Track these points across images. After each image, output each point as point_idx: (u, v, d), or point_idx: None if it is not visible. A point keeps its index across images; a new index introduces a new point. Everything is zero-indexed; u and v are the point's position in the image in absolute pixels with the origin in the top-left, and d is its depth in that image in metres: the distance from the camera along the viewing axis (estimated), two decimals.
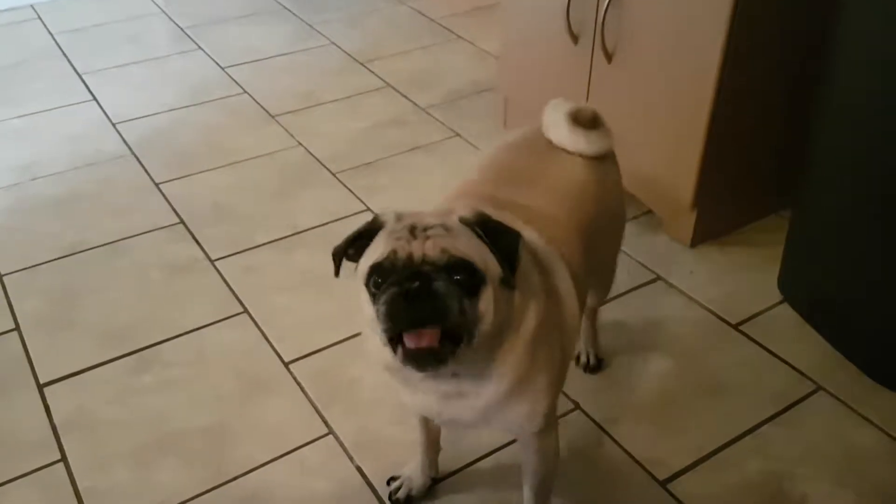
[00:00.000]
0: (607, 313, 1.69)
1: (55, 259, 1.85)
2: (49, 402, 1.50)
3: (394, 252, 0.93)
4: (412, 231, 0.94)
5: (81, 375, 1.56)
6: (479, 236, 0.95)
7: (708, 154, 1.70)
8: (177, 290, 1.77)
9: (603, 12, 1.78)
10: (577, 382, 1.53)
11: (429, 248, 0.92)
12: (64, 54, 2.79)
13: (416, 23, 3.01)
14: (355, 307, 0.98)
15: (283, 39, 2.90)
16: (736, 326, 1.66)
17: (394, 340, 0.92)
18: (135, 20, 3.06)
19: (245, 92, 2.56)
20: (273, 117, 2.42)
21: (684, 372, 1.56)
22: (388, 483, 1.35)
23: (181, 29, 2.98)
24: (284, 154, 2.25)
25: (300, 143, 2.29)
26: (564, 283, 1.11)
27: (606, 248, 1.37)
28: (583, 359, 1.57)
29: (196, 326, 1.67)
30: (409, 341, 0.91)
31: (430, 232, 0.93)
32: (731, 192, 1.85)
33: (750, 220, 1.95)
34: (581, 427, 1.45)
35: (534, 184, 1.20)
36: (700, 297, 1.73)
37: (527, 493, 1.21)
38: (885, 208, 1.41)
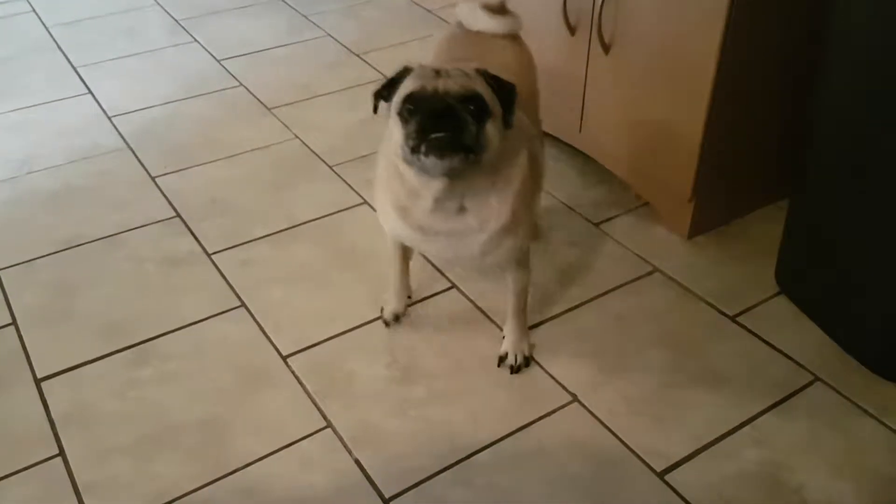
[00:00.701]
0: (607, 304, 1.70)
1: (52, 253, 1.85)
2: (47, 396, 1.50)
3: (423, 86, 1.20)
4: (437, 73, 1.21)
5: (79, 370, 1.56)
6: (487, 82, 1.23)
7: (705, 145, 1.70)
8: (174, 283, 1.77)
9: (600, 4, 1.77)
10: (574, 375, 1.53)
11: (450, 85, 1.19)
12: (59, 47, 2.78)
13: (412, 14, 2.99)
14: (381, 150, 1.35)
15: (279, 31, 2.89)
16: (733, 318, 1.66)
17: (417, 150, 1.18)
18: (130, 13, 3.04)
19: (241, 84, 2.55)
20: (269, 110, 2.41)
21: (682, 363, 1.56)
22: (381, 314, 1.64)
23: (176, 21, 2.97)
24: (281, 147, 2.24)
25: (297, 136, 2.28)
26: (534, 144, 1.44)
27: (532, 114, 1.62)
28: None
29: (194, 320, 1.67)
30: (435, 138, 1.17)
31: (451, 73, 1.21)
32: (729, 184, 1.85)
33: (747, 211, 1.95)
34: (579, 419, 1.45)
35: (480, 62, 1.37)
36: (697, 289, 1.73)
37: (510, 305, 1.54)
38: (883, 198, 1.41)
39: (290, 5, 3.09)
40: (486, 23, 1.60)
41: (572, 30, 1.90)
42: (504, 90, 1.25)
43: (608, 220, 1.95)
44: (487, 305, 1.70)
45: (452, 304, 1.71)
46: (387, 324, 1.64)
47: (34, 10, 3.05)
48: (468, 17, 1.63)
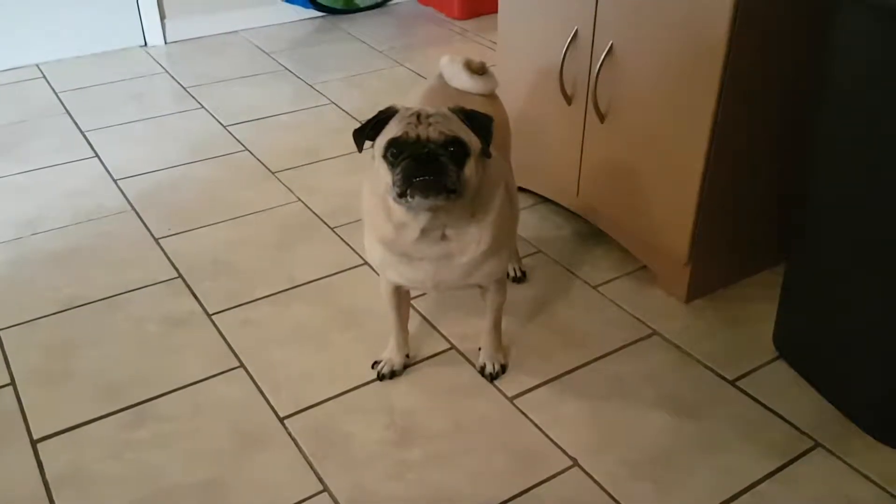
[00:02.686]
0: (606, 367, 1.70)
1: (53, 313, 1.86)
2: (42, 457, 1.49)
3: (406, 132, 1.29)
4: (419, 118, 1.30)
5: (76, 430, 1.55)
6: (463, 120, 1.33)
7: (701, 211, 1.73)
8: (174, 344, 1.77)
9: (595, 74, 1.83)
10: (573, 438, 1.52)
11: (431, 132, 1.28)
12: (67, 112, 2.84)
13: (414, 83, 3.08)
14: (366, 186, 1.44)
15: (284, 99, 2.97)
16: (733, 382, 1.66)
17: (404, 195, 1.28)
18: (138, 80, 3.13)
19: (245, 149, 2.60)
20: (273, 174, 2.46)
21: (682, 428, 1.55)
22: (373, 366, 1.67)
23: (184, 88, 3.05)
24: (283, 209, 2.28)
25: (299, 199, 2.32)
26: (510, 179, 1.58)
27: (506, 163, 1.73)
28: (511, 273, 1.95)
29: (192, 381, 1.66)
30: (419, 181, 1.27)
31: (430, 119, 1.30)
32: (726, 249, 1.87)
33: (745, 276, 1.97)
34: (579, 485, 1.43)
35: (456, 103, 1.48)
36: (696, 353, 1.74)
37: (488, 321, 1.64)
38: (880, 265, 1.43)
39: (295, 75, 3.18)
40: (466, 82, 1.70)
41: (569, 99, 1.96)
42: (480, 123, 1.34)
43: (606, 282, 1.97)
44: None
45: (450, 365, 1.71)
46: (381, 378, 1.66)
47: (44, 76, 3.13)
48: (450, 72, 1.72)
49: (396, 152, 1.29)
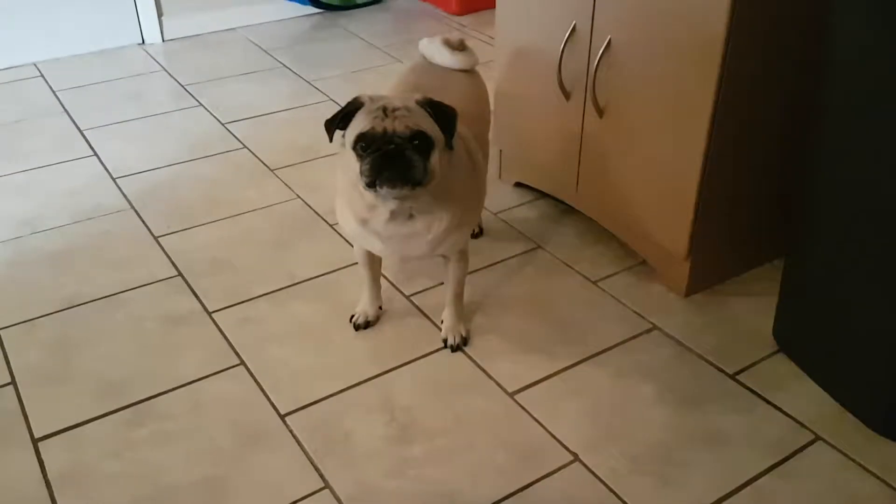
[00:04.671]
0: (606, 362, 1.70)
1: (53, 312, 1.86)
2: (43, 456, 1.49)
3: (373, 127, 1.36)
4: (385, 111, 1.37)
5: (77, 429, 1.55)
6: (429, 113, 1.40)
7: (700, 205, 1.73)
8: (174, 342, 1.77)
9: (594, 69, 1.83)
10: (574, 433, 1.52)
11: (397, 125, 1.36)
12: (66, 111, 2.84)
13: None
14: (340, 168, 1.55)
15: (283, 96, 2.96)
16: (733, 376, 1.66)
17: (372, 184, 1.38)
18: (136, 78, 3.12)
19: (244, 147, 2.60)
20: (272, 171, 2.46)
21: (683, 422, 1.55)
22: (350, 320, 1.79)
23: (182, 86, 3.05)
24: (283, 207, 2.28)
25: (298, 196, 2.32)
26: (477, 154, 1.65)
27: (482, 137, 1.84)
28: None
29: (192, 379, 1.66)
30: (387, 174, 1.37)
31: (396, 113, 1.37)
32: (726, 242, 1.87)
33: (745, 269, 1.97)
34: (581, 479, 1.44)
35: (440, 92, 1.57)
36: (696, 347, 1.74)
37: (449, 291, 1.71)
38: (880, 257, 1.43)
39: (293, 71, 3.18)
40: (446, 58, 1.80)
41: (567, 95, 1.95)
42: (444, 116, 1.42)
43: (606, 277, 1.97)
44: (487, 364, 1.70)
45: (450, 360, 1.71)
46: (357, 328, 1.78)
47: (42, 75, 3.13)
48: (430, 51, 1.82)
49: (365, 146, 1.37)
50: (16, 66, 3.21)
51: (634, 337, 1.77)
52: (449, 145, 1.44)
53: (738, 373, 1.67)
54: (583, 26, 1.85)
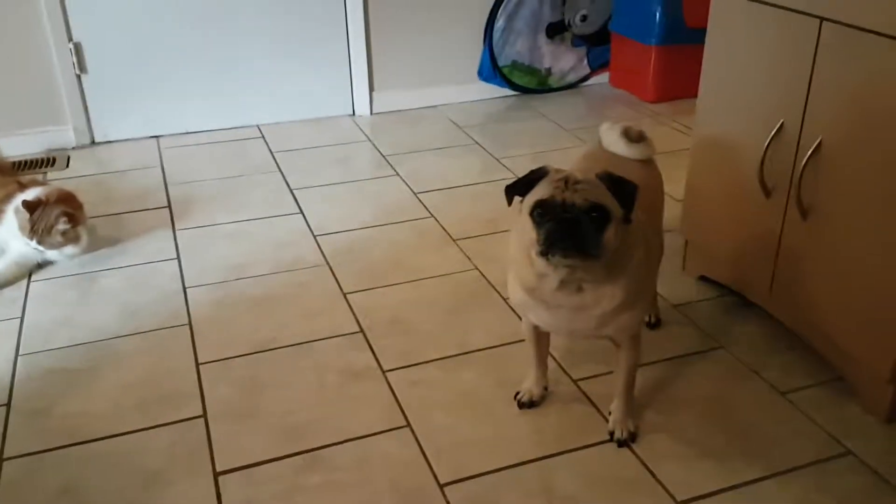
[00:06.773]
0: (793, 484, 1.56)
1: (248, 353, 2.02)
2: (221, 489, 1.60)
3: (553, 195, 1.38)
4: (566, 182, 1.38)
5: (255, 468, 1.65)
6: (609, 187, 1.40)
7: None
8: (349, 394, 1.86)
9: (801, 167, 1.74)
10: None
11: (576, 197, 1.37)
12: (280, 170, 3.13)
13: None
14: (513, 235, 1.56)
15: (472, 171, 3.09)
16: None
17: (545, 252, 1.38)
18: (344, 146, 3.39)
19: (432, 216, 2.72)
20: (454, 240, 2.55)
21: None
22: (515, 397, 1.79)
23: (383, 156, 3.27)
24: (461, 276, 2.34)
25: (475, 267, 2.38)
26: (654, 240, 1.67)
27: (656, 226, 1.82)
28: (647, 319, 2.04)
29: (362, 434, 1.73)
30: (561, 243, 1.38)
31: (577, 186, 1.38)
32: None
33: None
34: None
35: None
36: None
37: (620, 381, 1.67)
38: None
39: (484, 148, 3.31)
40: (624, 149, 1.79)
41: (768, 192, 1.87)
42: (623, 190, 1.41)
43: (796, 390, 1.82)
44: (655, 465, 1.62)
45: (616, 458, 1.65)
46: (521, 406, 1.78)
47: (263, 137, 3.49)
48: (608, 138, 1.82)
49: (542, 213, 1.38)
50: (242, 127, 3.60)
51: (826, 460, 1.62)
52: (627, 219, 1.42)
53: None
54: (791, 125, 1.77)
